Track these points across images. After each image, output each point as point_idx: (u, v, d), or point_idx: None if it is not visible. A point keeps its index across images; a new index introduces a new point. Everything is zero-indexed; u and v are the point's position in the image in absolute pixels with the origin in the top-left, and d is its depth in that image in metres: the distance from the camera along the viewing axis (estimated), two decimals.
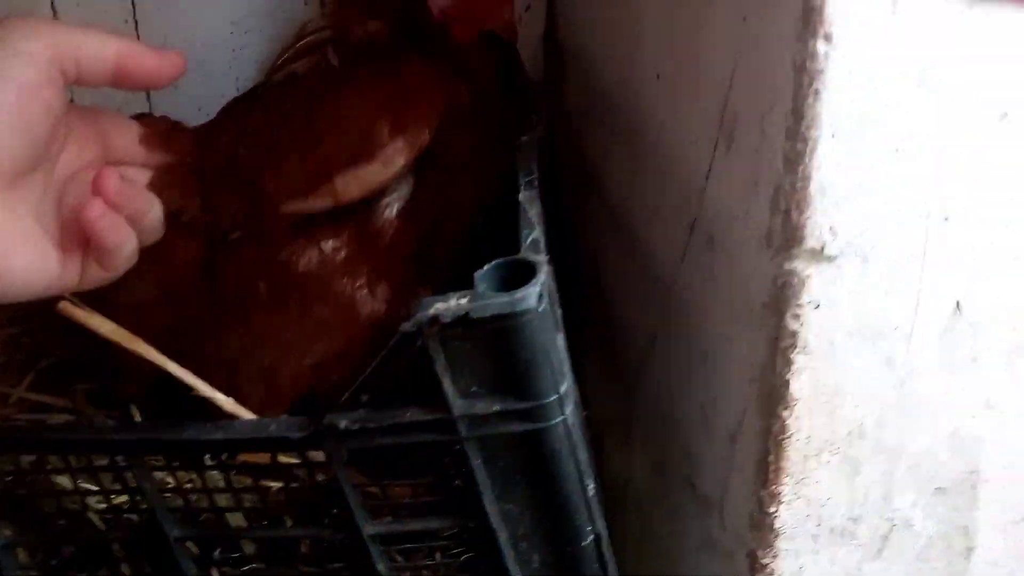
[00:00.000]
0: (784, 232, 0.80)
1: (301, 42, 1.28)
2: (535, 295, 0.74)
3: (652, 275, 1.15)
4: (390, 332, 0.81)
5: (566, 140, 1.59)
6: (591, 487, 0.89)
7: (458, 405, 0.81)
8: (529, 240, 0.82)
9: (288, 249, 1.08)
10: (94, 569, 1.06)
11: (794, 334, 0.82)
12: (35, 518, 1.04)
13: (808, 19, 0.74)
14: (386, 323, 1.09)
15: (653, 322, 1.18)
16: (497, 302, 0.74)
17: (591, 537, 0.91)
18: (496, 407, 0.81)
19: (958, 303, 0.83)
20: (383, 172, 1.08)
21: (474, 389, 0.81)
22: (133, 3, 1.47)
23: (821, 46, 0.73)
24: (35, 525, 1.04)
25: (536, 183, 0.95)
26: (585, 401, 1.36)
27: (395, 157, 1.09)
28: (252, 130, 1.10)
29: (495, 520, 0.88)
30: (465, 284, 0.77)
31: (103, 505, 1.02)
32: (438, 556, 0.99)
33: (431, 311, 0.74)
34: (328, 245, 1.10)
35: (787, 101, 0.77)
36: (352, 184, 1.06)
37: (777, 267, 0.82)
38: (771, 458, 0.86)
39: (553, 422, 0.82)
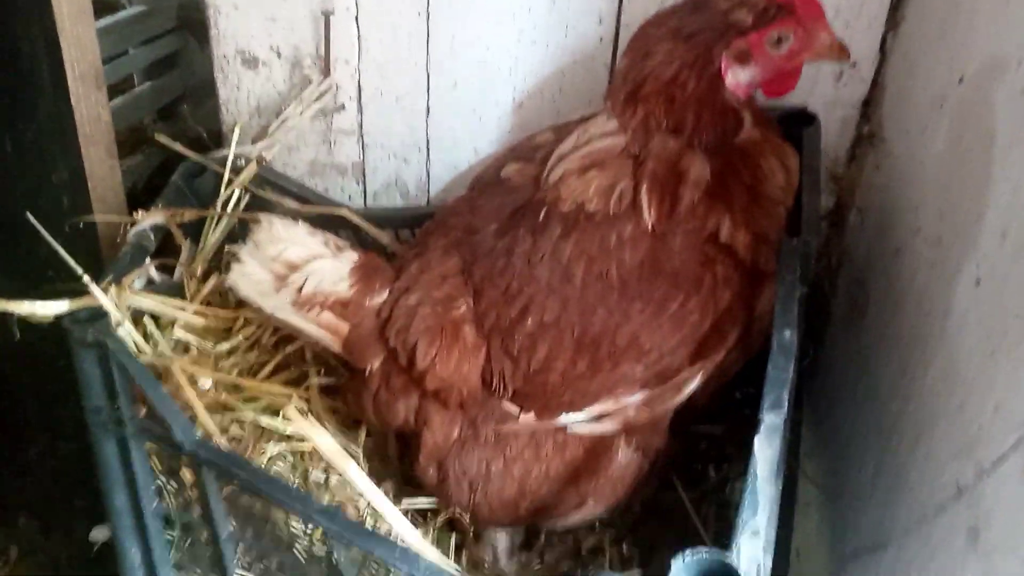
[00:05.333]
0: None
1: (585, 135, 1.17)
2: None
3: (907, 491, 1.00)
4: None
5: (855, 230, 1.39)
6: None
7: None
8: (744, 530, 0.73)
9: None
10: None
11: None
12: (252, 523, 1.17)
13: None
14: None
15: (890, 530, 1.03)
16: None
17: None
18: None
19: None
20: (674, 396, 1.12)
21: None
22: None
23: None
24: (252, 529, 1.17)
25: (784, 411, 0.83)
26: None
27: (689, 382, 1.11)
28: (537, 301, 1.12)
29: None
30: None
31: (305, 542, 1.12)
32: None
33: None
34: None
35: None
36: (644, 410, 1.13)
37: None
38: None
39: None
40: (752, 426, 1.43)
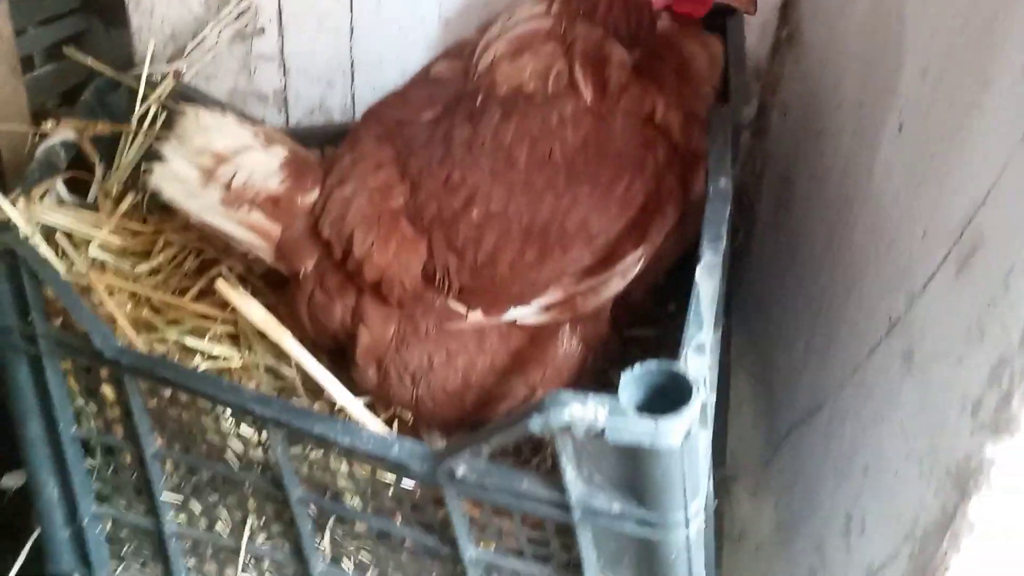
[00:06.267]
0: (996, 411, 0.67)
1: (512, 20, 1.15)
2: (682, 430, 0.67)
3: (839, 348, 1.03)
4: None
5: (779, 130, 1.42)
6: None
7: (577, 491, 0.77)
8: (693, 343, 0.73)
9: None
10: (225, 496, 1.14)
11: (973, 517, 0.70)
12: (181, 437, 1.11)
13: None
14: None
15: (824, 390, 1.06)
16: (636, 429, 0.67)
17: None
18: (616, 506, 0.76)
19: None
20: (619, 281, 1.10)
21: (597, 479, 0.76)
22: None
23: None
24: (181, 443, 1.12)
25: (722, 248, 0.84)
26: (724, 427, 1.27)
27: (633, 267, 1.10)
28: (482, 190, 1.09)
29: None
30: None
31: (240, 448, 1.07)
32: None
33: (564, 417, 0.69)
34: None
35: None
36: (590, 298, 1.10)
37: (973, 442, 0.69)
38: None
39: (674, 536, 0.76)
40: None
